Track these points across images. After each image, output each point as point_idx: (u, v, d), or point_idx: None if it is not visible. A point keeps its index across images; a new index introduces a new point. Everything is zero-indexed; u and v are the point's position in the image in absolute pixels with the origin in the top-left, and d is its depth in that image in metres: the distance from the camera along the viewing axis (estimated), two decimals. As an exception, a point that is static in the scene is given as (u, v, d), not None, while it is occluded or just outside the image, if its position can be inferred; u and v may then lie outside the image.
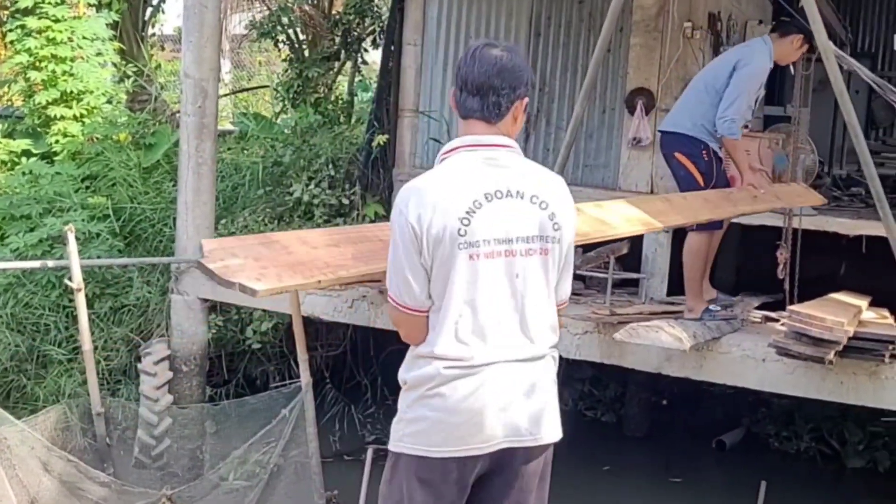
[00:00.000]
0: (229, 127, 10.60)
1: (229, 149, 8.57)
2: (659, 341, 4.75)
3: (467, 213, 2.56)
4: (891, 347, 4.34)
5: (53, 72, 8.51)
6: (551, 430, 2.77)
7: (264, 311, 6.85)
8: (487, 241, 2.58)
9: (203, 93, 5.79)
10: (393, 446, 2.74)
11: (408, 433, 2.70)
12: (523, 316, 2.65)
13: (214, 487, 5.42)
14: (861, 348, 4.26)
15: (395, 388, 8.64)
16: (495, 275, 2.60)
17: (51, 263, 5.74)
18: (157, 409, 5.64)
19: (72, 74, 8.61)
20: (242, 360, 6.97)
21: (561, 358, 2.81)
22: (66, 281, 5.30)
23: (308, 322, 5.70)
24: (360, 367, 7.31)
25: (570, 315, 5.05)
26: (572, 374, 7.93)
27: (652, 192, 6.94)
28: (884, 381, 4.50)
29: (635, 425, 7.50)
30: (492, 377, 2.64)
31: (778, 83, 8.05)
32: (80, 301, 5.30)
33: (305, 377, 5.47)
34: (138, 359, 6.20)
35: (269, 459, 5.47)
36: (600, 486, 6.52)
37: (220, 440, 5.66)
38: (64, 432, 5.71)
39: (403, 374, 2.74)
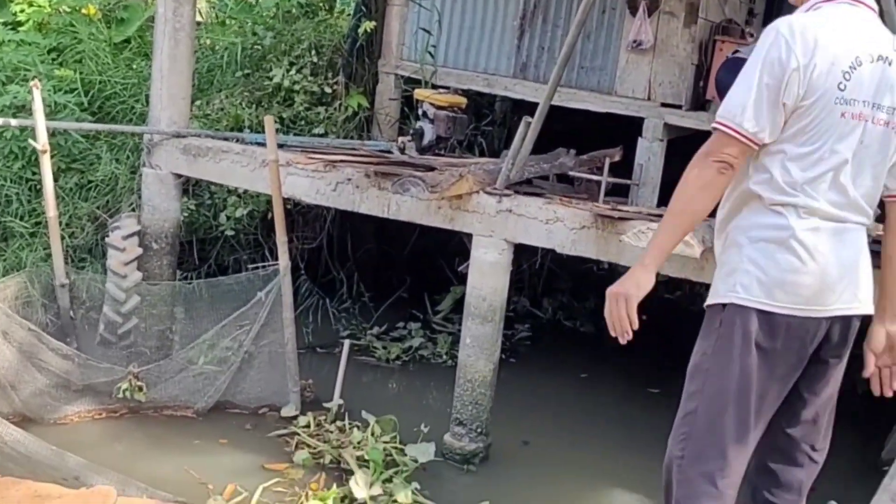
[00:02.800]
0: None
1: (207, 31, 8.12)
2: (669, 247, 4.55)
3: (850, 68, 2.53)
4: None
5: (20, -66, 7.96)
6: (871, 303, 2.70)
7: (239, 196, 6.54)
8: (856, 101, 2.53)
9: (185, -49, 5.37)
10: (725, 297, 2.61)
11: (746, 283, 2.58)
12: (856, 183, 2.61)
13: (183, 369, 5.17)
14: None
15: (370, 285, 8.28)
16: (852, 137, 2.56)
17: (14, 122, 5.34)
18: (124, 286, 5.33)
19: (40, -62, 8.05)
20: (214, 246, 6.67)
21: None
22: (31, 141, 4.94)
23: (285, 213, 5.39)
24: (336, 261, 7.05)
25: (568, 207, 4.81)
26: (551, 284, 7.75)
27: (649, 98, 6.68)
28: None
29: (615, 337, 7.33)
30: (838, 236, 2.58)
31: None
32: (45, 163, 4.96)
33: (284, 260, 5.20)
34: (104, 237, 5.88)
35: (241, 344, 5.23)
36: (575, 391, 6.36)
37: (192, 322, 5.39)
38: (24, 308, 5.41)
39: (739, 222, 2.65)
